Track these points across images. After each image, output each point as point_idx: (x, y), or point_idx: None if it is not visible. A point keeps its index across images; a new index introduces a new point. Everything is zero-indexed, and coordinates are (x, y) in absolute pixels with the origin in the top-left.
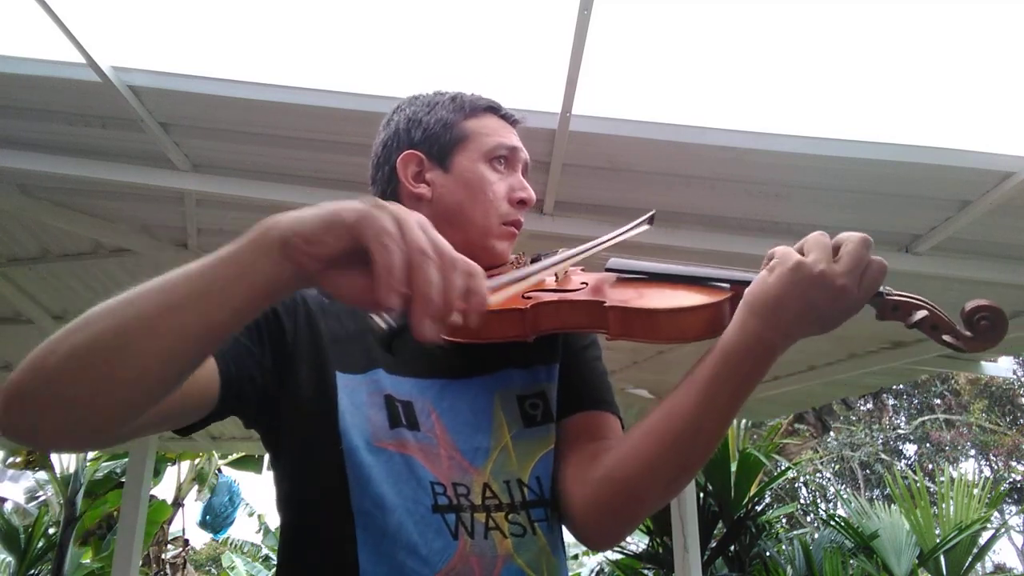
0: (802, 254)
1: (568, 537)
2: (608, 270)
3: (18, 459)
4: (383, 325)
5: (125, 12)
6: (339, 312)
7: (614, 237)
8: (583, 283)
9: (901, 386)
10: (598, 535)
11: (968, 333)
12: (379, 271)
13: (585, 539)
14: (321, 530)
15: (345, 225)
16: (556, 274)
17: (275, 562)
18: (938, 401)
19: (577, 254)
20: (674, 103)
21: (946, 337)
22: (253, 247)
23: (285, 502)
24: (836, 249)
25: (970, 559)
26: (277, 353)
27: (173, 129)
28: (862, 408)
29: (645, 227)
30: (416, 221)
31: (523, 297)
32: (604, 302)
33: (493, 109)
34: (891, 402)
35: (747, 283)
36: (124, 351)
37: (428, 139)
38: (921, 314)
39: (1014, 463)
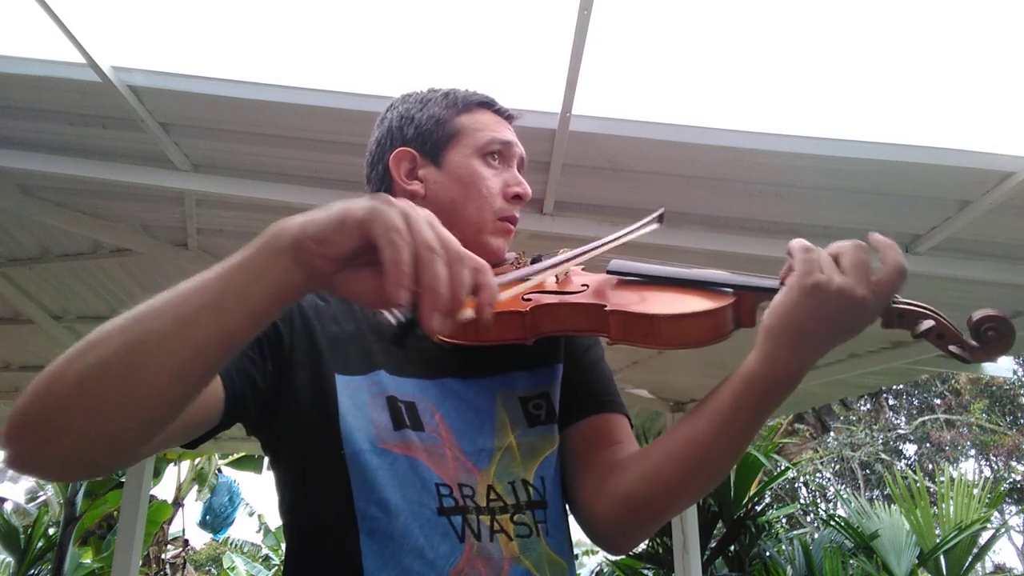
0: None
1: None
2: (610, 272)
3: None
4: (393, 321)
5: (125, 12)
6: (336, 314)
7: (621, 236)
8: (584, 285)
9: (901, 386)
10: (619, 544)
11: (974, 343)
12: (388, 267)
13: (606, 547)
14: (325, 535)
15: (355, 222)
16: (556, 275)
17: (275, 562)
18: (938, 401)
19: (582, 253)
20: (674, 103)
21: (952, 347)
22: (265, 252)
23: (288, 508)
24: (836, 260)
25: (970, 559)
26: (275, 361)
27: (173, 129)
28: (862, 408)
29: (654, 226)
30: (423, 217)
31: (522, 299)
32: (605, 306)
33: (487, 104)
34: (891, 402)
35: (750, 288)
36: (138, 372)
37: (420, 136)
38: (927, 324)
39: (1014, 463)
